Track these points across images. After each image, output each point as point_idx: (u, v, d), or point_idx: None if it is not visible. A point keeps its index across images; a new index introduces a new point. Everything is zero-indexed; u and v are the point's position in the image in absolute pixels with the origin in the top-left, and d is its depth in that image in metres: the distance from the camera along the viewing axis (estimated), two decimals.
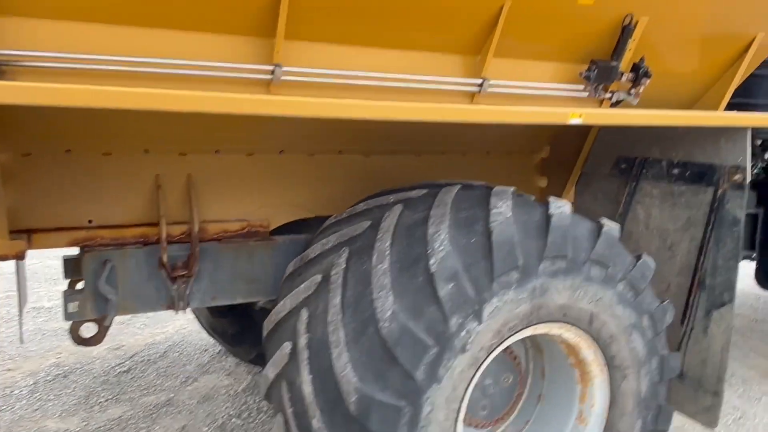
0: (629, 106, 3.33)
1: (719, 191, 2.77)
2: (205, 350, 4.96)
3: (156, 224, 2.78)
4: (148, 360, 4.79)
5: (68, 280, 2.90)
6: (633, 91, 3.25)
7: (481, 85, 2.90)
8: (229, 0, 2.30)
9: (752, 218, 4.58)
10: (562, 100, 3.21)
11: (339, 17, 2.49)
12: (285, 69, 2.46)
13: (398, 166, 3.43)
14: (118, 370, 4.60)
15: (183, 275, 2.80)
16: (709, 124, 2.55)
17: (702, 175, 2.86)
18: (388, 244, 2.23)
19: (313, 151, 3.17)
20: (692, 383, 2.93)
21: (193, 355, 4.90)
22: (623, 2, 2.95)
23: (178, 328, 5.34)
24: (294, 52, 2.49)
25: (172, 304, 2.81)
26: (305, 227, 3.16)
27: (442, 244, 2.13)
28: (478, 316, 2.09)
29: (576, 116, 2.15)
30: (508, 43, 2.90)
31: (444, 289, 2.04)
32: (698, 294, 2.85)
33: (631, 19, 3.02)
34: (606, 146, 3.33)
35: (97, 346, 2.94)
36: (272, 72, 2.44)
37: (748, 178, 2.69)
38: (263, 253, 3.00)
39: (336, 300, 2.18)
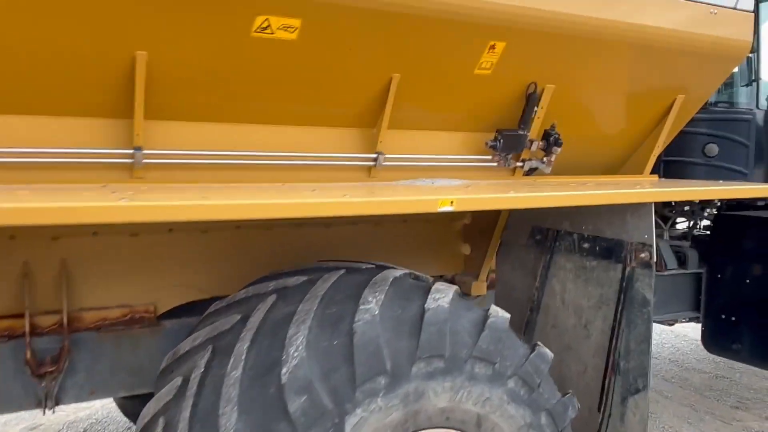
0: (543, 174, 3.20)
1: (627, 269, 2.61)
2: (130, 429, 4.66)
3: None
4: None
5: None
6: (546, 159, 3.12)
7: (376, 159, 2.75)
8: (81, 82, 2.15)
9: (696, 278, 4.43)
10: (470, 170, 3.06)
11: (201, 95, 2.35)
12: (147, 152, 2.29)
13: (305, 239, 3.24)
14: None
15: (51, 371, 2.57)
16: (597, 203, 2.40)
17: (610, 250, 2.70)
18: (246, 346, 2.02)
19: (207, 227, 2.98)
20: None
21: None
22: (524, 71, 2.84)
23: (105, 402, 5.04)
24: (159, 132, 2.33)
25: (40, 403, 2.58)
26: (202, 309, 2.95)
27: (297, 349, 1.92)
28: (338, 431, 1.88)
29: (446, 203, 1.99)
30: (404, 114, 2.76)
31: (295, 404, 1.83)
32: (613, 378, 2.65)
33: (535, 87, 2.90)
34: (521, 216, 3.18)
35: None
36: (132, 156, 2.27)
37: (654, 257, 2.53)
38: (149, 341, 2.79)
39: (186, 413, 1.96)
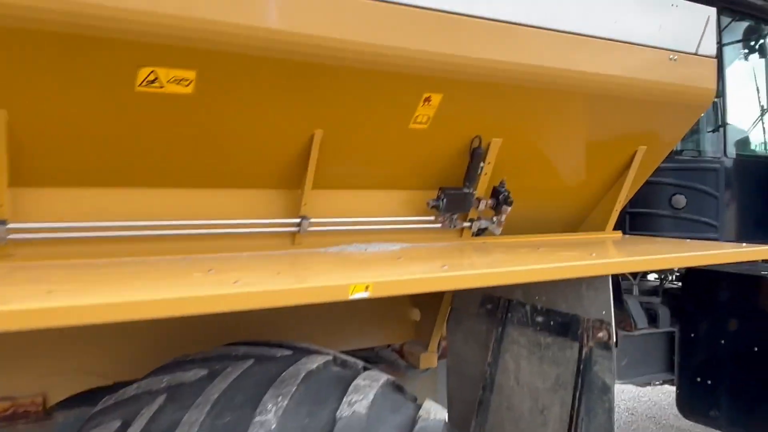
0: (493, 234, 2.89)
1: (584, 349, 2.28)
2: None
3: None
4: None
5: None
6: (495, 219, 2.82)
7: (299, 224, 2.42)
8: None
9: (668, 337, 4.12)
10: (411, 232, 2.74)
11: (87, 157, 2.01)
12: (13, 226, 1.94)
13: (223, 317, 2.86)
14: None
15: None
16: (539, 279, 2.09)
17: (566, 326, 2.38)
18: None
19: None
20: None
21: None
22: (466, 125, 2.56)
23: None
24: (28, 201, 1.98)
25: None
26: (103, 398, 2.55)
27: None
28: None
29: (360, 289, 1.66)
30: (333, 172, 2.45)
31: None
32: None
33: (479, 141, 2.61)
34: None
35: None
36: None
37: (614, 337, 2.21)
38: None
39: None
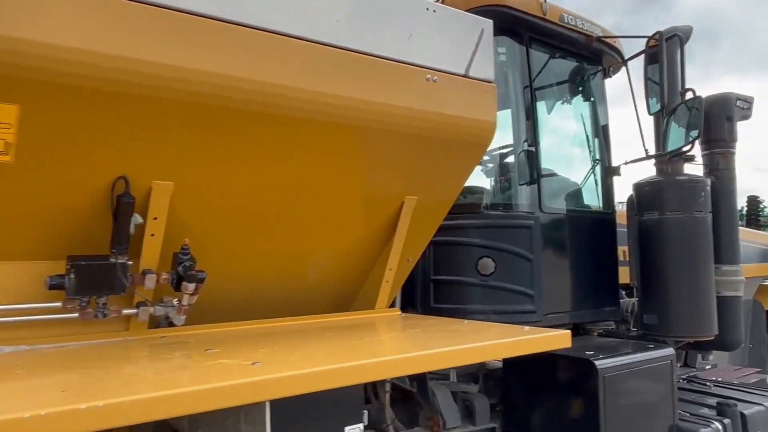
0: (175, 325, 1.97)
1: None
2: None
3: None
4: None
5: None
6: (177, 302, 1.90)
7: None
8: None
9: None
10: (35, 327, 1.76)
11: None
12: None
13: None
14: None
15: None
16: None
17: None
18: None
19: None
20: None
21: None
22: (99, 158, 1.66)
23: None
24: None
25: None
26: None
27: None
28: None
29: None
30: None
31: None
32: None
33: (127, 185, 1.72)
34: None
35: None
36: None
37: None
38: None
39: None
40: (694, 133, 3.29)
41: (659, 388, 3.17)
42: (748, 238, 5.53)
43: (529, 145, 3.40)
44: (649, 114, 3.49)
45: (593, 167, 3.85)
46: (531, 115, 3.43)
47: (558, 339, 1.98)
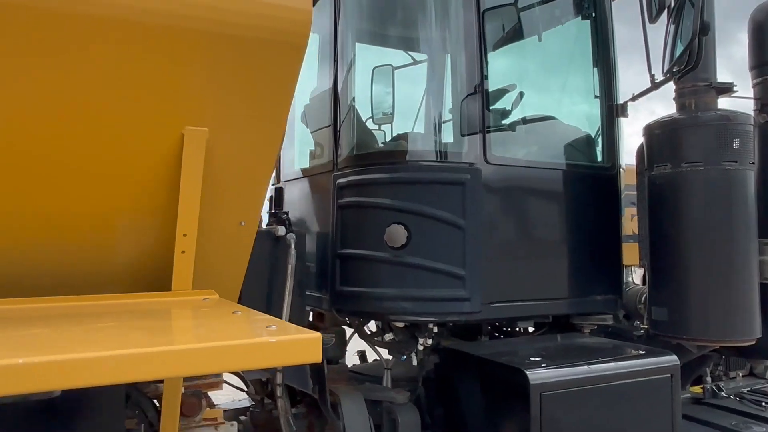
0: None
1: None
2: None
3: None
4: None
5: None
6: None
7: None
8: None
9: None
10: None
11: None
12: None
13: None
14: None
15: None
16: None
17: None
18: None
19: None
20: None
21: None
22: None
23: None
24: None
25: None
26: None
27: None
28: None
29: None
30: None
31: None
32: None
33: None
34: None
35: None
36: None
37: None
38: None
39: None
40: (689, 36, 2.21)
41: (647, 415, 2.19)
42: None
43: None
44: (651, 21, 2.43)
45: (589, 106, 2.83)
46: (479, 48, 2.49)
47: (302, 347, 1.13)
